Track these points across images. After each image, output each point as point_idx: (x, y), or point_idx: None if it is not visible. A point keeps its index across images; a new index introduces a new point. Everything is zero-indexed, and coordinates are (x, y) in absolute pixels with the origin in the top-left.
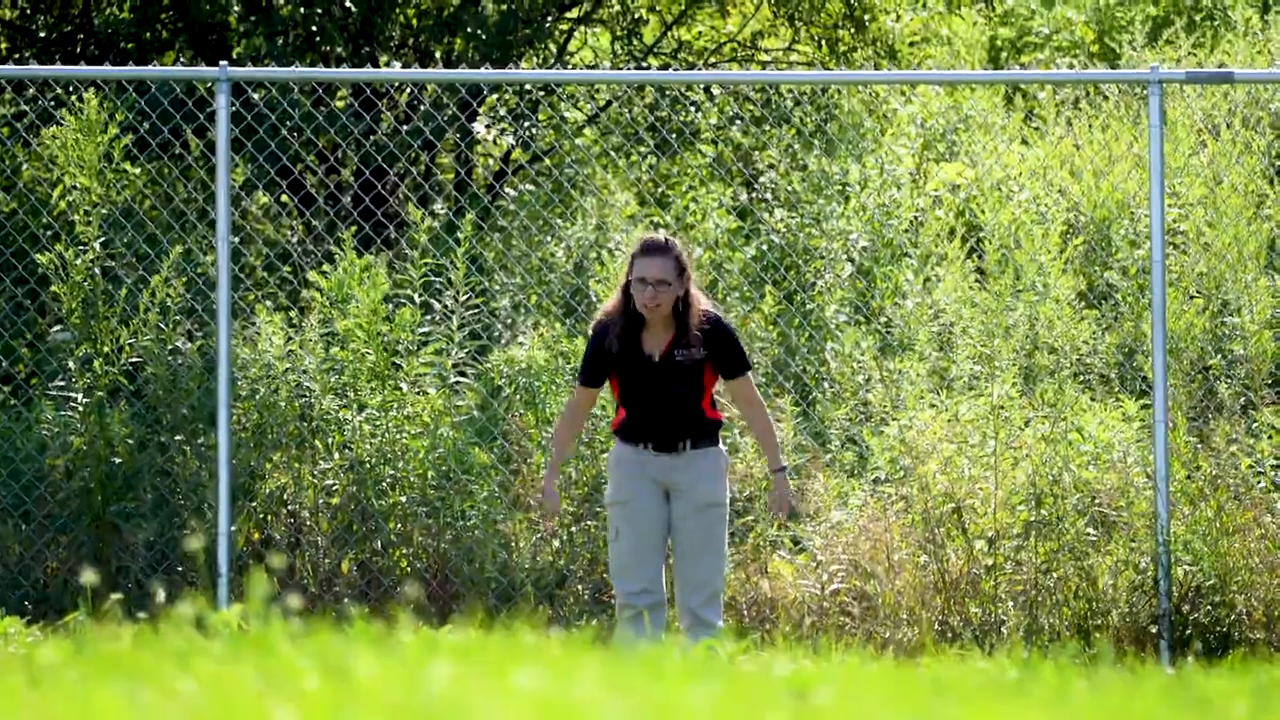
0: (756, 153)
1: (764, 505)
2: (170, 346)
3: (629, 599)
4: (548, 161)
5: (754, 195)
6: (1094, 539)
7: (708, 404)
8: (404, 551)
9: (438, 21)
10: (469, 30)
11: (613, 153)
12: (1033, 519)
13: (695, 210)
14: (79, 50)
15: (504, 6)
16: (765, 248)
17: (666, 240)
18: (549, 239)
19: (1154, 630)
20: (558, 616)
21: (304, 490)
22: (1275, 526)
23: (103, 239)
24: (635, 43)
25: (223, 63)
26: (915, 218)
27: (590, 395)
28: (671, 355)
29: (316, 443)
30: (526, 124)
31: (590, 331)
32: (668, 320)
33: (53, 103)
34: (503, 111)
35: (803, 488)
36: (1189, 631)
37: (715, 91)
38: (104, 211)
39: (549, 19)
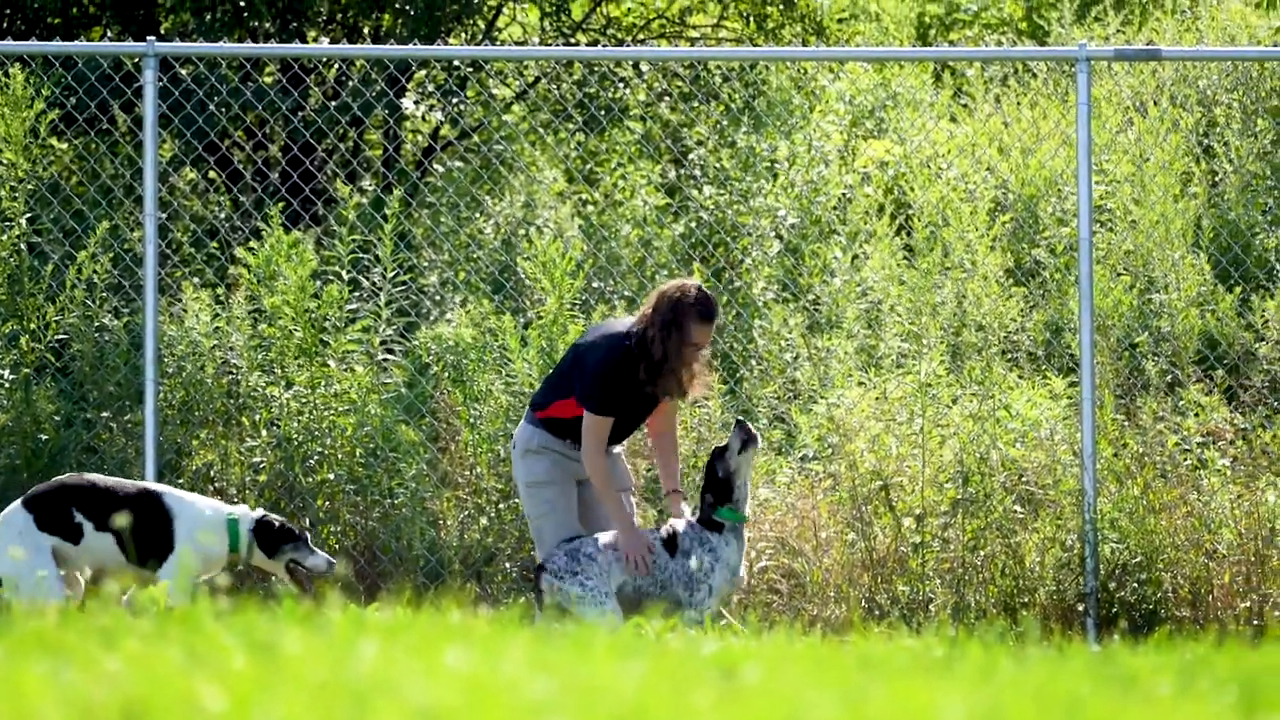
0: (685, 129)
1: (694, 484)
2: (97, 323)
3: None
4: (476, 138)
5: (682, 172)
6: (1021, 517)
7: None
8: (331, 529)
9: None
10: (397, 6)
11: (541, 129)
12: (960, 497)
13: (624, 187)
14: (5, 25)
15: None
16: (694, 225)
17: (713, 300)
18: (477, 215)
19: (1080, 608)
20: (486, 594)
21: (231, 467)
22: (1201, 504)
23: (29, 215)
24: (564, 19)
25: (150, 38)
26: (843, 195)
27: (610, 425)
28: (656, 397)
29: (243, 420)
30: (455, 100)
31: (608, 358)
32: None
33: None
34: (431, 87)
35: None
36: (1115, 609)
37: (644, 68)
38: (30, 187)
39: None
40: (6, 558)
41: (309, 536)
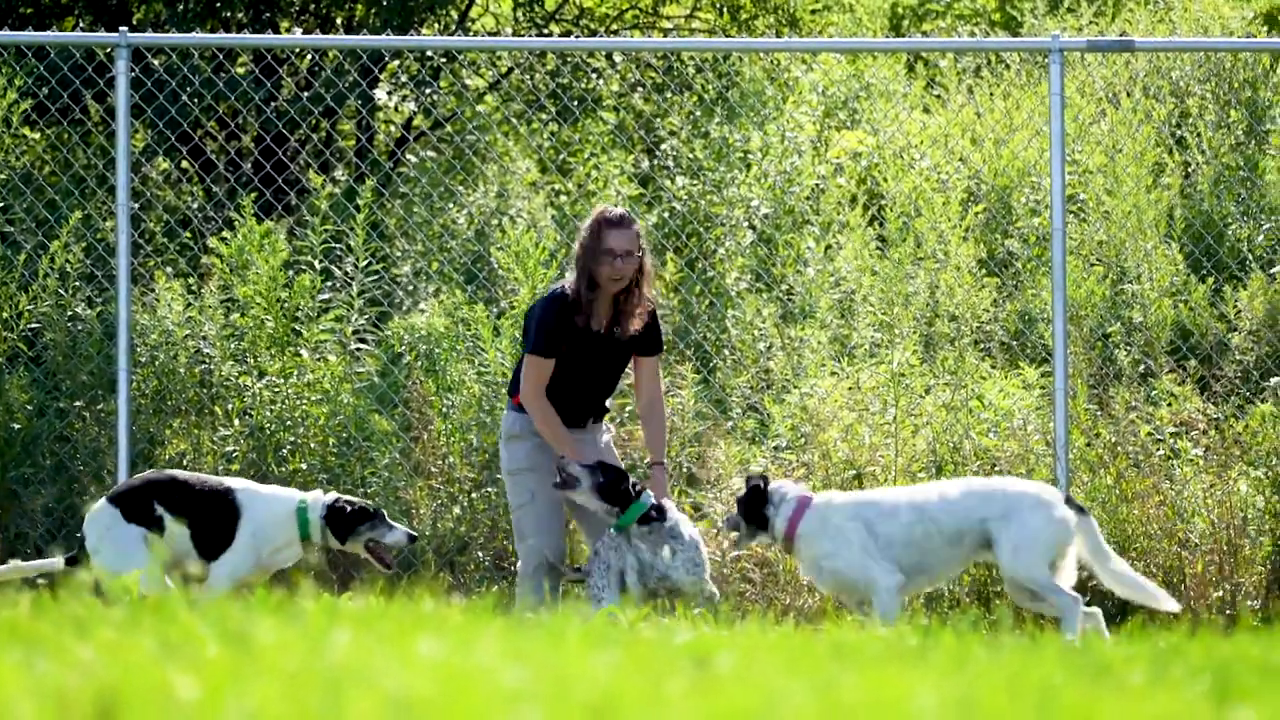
0: (658, 120)
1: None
2: (69, 312)
3: (546, 551)
4: (449, 128)
5: (656, 162)
6: None
7: None
8: None
9: None
10: None
11: (514, 120)
12: None
13: (597, 177)
14: None
15: None
16: (667, 215)
17: (627, 213)
18: (450, 206)
19: None
20: (458, 583)
21: (204, 457)
22: (1174, 494)
23: (1, 204)
24: (537, 9)
25: (122, 28)
26: (816, 185)
27: (550, 368)
28: (612, 333)
29: (216, 409)
30: (428, 90)
31: (545, 301)
32: (612, 296)
33: None
34: (404, 78)
35: (704, 455)
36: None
37: (617, 58)
38: (3, 177)
39: None
40: (103, 550)
41: (384, 513)
